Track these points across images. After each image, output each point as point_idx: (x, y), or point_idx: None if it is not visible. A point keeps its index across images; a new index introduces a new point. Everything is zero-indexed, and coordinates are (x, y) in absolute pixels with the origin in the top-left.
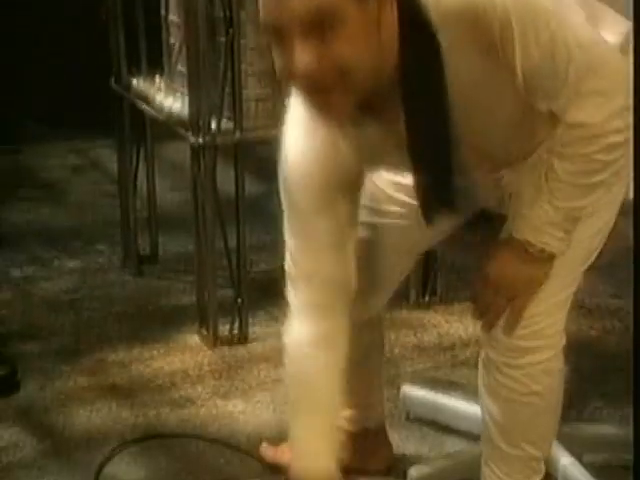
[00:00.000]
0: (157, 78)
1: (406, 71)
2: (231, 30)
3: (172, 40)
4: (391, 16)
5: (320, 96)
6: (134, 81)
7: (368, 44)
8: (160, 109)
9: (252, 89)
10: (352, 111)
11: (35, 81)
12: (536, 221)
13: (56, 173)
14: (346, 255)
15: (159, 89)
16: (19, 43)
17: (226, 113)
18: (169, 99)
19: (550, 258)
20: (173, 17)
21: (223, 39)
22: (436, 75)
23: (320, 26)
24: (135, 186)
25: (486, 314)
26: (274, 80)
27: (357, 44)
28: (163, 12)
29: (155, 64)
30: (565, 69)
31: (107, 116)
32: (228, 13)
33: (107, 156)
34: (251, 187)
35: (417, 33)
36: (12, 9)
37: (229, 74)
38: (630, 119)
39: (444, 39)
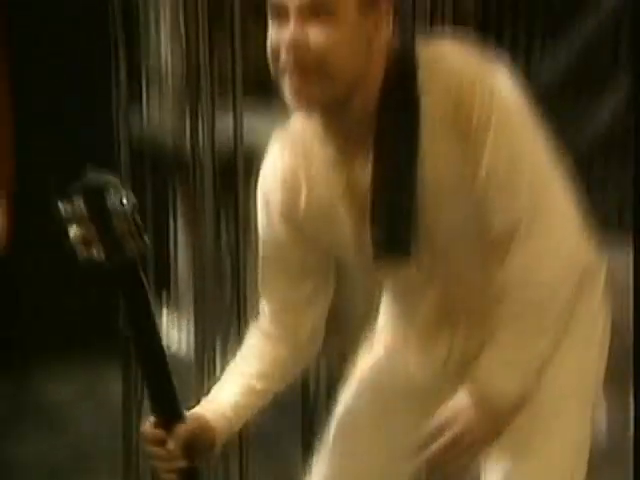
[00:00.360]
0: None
1: (382, 113)
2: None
3: (181, 280)
4: (382, 40)
5: (298, 78)
6: None
7: (352, 46)
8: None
9: None
10: (325, 133)
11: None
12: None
13: (58, 397)
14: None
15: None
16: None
17: None
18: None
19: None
20: (182, 260)
21: (229, 283)
22: (409, 131)
23: (316, 9)
24: (140, 415)
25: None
26: None
27: (342, 39)
28: (172, 253)
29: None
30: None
31: (112, 341)
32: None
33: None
34: None
35: (401, 80)
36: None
37: (235, 312)
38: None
39: (425, 101)
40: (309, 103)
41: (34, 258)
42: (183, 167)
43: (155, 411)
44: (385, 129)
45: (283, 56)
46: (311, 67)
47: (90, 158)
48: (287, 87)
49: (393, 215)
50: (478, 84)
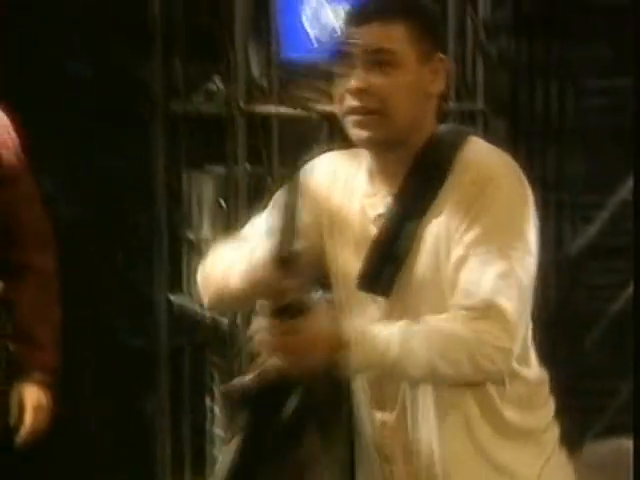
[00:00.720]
0: None
1: (416, 166)
2: None
3: (216, 452)
4: (436, 91)
5: (361, 119)
6: None
7: (410, 93)
8: None
9: None
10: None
11: None
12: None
13: None
14: None
15: None
16: None
17: None
18: None
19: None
20: (218, 430)
21: None
22: (431, 192)
23: (380, 58)
24: None
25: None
26: None
27: (402, 87)
28: (208, 425)
29: (198, 473)
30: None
31: None
32: None
33: None
34: None
35: (443, 149)
36: None
37: None
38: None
39: (452, 178)
40: (369, 141)
41: None
42: (220, 342)
43: None
44: (414, 179)
45: (349, 100)
46: (373, 110)
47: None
48: (351, 126)
49: (389, 256)
50: (498, 187)
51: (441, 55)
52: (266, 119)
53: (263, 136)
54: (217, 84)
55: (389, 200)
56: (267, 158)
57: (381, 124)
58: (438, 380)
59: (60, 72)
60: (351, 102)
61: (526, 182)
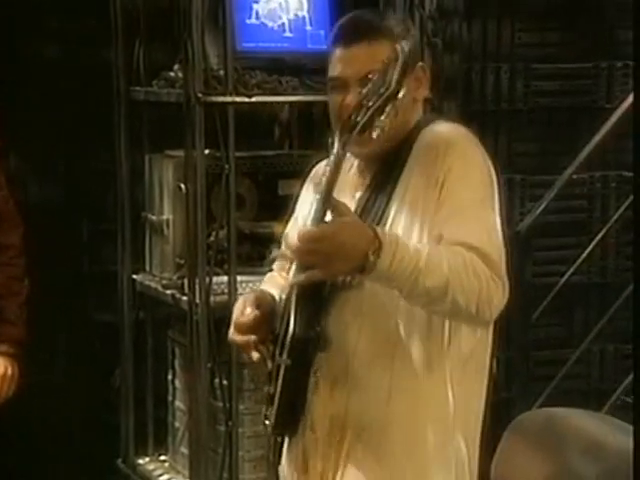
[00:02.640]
0: (162, 457)
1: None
2: (230, 422)
3: (177, 424)
4: (421, 97)
5: (356, 136)
6: (140, 460)
7: (403, 106)
8: None
9: (248, 474)
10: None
11: None
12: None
13: None
14: None
15: (164, 470)
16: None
17: None
18: None
19: (368, 270)
20: (179, 403)
21: (223, 428)
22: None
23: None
24: None
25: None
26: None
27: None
28: (170, 397)
29: (160, 443)
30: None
31: None
32: (228, 405)
33: None
34: None
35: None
36: None
37: (227, 460)
38: None
39: (413, 153)
40: (366, 156)
41: None
42: (180, 320)
43: None
44: (387, 161)
45: (343, 117)
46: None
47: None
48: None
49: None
50: (453, 148)
51: (421, 63)
52: (223, 107)
53: (220, 123)
54: (177, 73)
55: (362, 189)
56: (224, 144)
57: (377, 138)
58: (441, 303)
59: (23, 56)
60: (344, 116)
61: (480, 146)
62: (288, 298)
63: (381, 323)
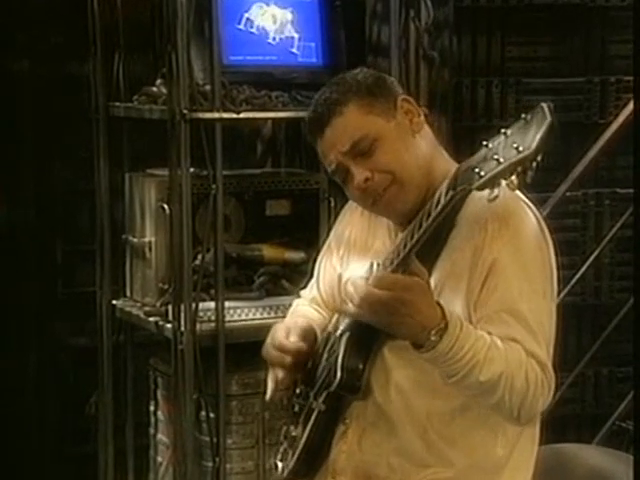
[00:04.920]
0: None
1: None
2: (217, 458)
3: (159, 458)
4: (420, 129)
5: (383, 204)
6: None
7: (404, 148)
8: None
9: None
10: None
11: None
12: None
13: None
14: None
15: None
16: None
17: None
18: None
19: (426, 348)
20: (162, 436)
21: (210, 464)
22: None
23: (362, 149)
24: None
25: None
26: None
27: (395, 151)
28: (152, 431)
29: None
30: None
31: None
32: (215, 439)
33: None
34: None
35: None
36: None
37: None
38: None
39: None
40: (401, 213)
41: None
42: (163, 348)
43: None
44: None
45: (362, 196)
46: (385, 186)
47: None
48: (379, 213)
49: None
50: (505, 227)
51: (401, 96)
52: (209, 123)
53: (207, 141)
54: (160, 88)
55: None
56: (211, 163)
57: (399, 192)
58: (487, 397)
59: (2, 70)
60: (363, 195)
61: (535, 212)
62: (327, 338)
63: (423, 378)
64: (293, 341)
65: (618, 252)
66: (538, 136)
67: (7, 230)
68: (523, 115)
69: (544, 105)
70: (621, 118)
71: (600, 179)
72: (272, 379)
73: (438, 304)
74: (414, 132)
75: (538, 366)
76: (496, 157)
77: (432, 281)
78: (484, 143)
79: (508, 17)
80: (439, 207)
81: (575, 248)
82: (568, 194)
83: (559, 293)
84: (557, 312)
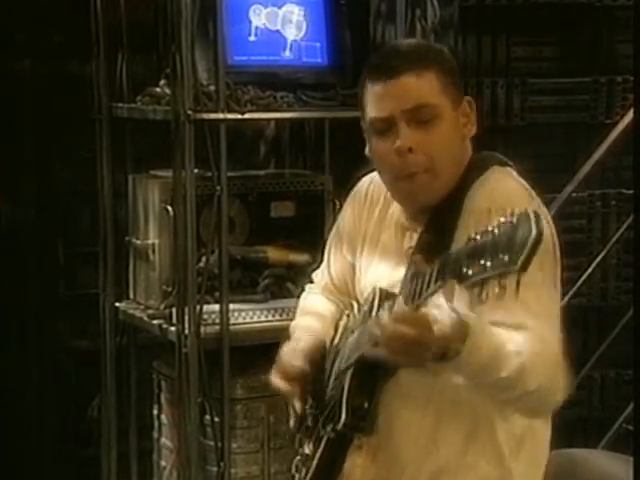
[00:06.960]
0: None
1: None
2: (222, 462)
3: (163, 463)
4: (469, 134)
5: (410, 181)
6: None
7: (452, 142)
8: None
9: None
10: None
11: None
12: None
13: None
14: None
15: None
16: None
17: None
18: None
19: (446, 359)
20: (165, 440)
21: (214, 468)
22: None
23: (420, 114)
24: None
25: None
26: None
27: (446, 139)
28: (156, 434)
29: None
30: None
31: None
32: (219, 443)
33: None
34: None
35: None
36: None
37: None
38: None
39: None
40: (419, 204)
41: None
42: (167, 352)
43: None
44: (439, 213)
45: (395, 163)
46: (421, 168)
47: None
48: (398, 191)
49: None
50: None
51: (468, 97)
52: (214, 124)
53: (211, 142)
54: (163, 89)
55: (419, 234)
56: (215, 164)
57: (430, 183)
58: (509, 391)
59: (3, 70)
60: (397, 162)
61: (538, 202)
62: (337, 352)
63: (432, 402)
64: (297, 366)
65: (624, 253)
66: (525, 252)
67: (8, 231)
68: (510, 218)
69: (530, 214)
70: (627, 118)
71: (606, 180)
72: (291, 408)
73: (454, 311)
74: (464, 136)
75: (551, 352)
76: (482, 262)
77: None
78: (472, 236)
79: (513, 16)
80: (429, 291)
81: (581, 249)
82: (574, 195)
83: (565, 295)
84: (563, 313)
